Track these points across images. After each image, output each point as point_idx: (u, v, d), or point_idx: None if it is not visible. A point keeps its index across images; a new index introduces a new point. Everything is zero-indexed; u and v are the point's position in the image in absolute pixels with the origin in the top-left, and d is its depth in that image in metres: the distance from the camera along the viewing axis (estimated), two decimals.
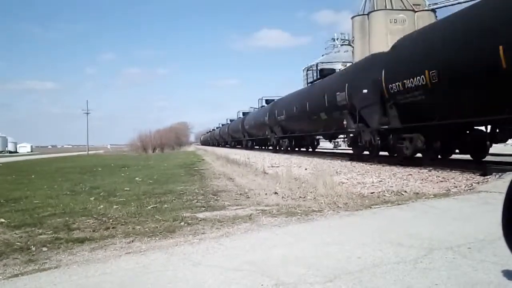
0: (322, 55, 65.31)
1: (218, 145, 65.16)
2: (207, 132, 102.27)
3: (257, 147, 37.69)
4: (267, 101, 32.61)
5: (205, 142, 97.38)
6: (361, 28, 44.36)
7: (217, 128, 76.31)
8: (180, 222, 4.85)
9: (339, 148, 34.31)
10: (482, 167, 8.47)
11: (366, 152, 14.03)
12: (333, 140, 26.94)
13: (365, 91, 13.05)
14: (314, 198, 6.10)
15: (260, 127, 31.31)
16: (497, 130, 9.64)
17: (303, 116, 19.92)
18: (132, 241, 4.10)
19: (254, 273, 2.81)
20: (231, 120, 57.17)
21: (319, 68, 23.69)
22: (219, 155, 24.05)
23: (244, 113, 45.53)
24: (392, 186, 7.10)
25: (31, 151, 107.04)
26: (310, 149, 24.72)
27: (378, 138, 12.69)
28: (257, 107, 43.17)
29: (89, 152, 63.70)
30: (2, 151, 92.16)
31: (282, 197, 6.40)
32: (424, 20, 39.77)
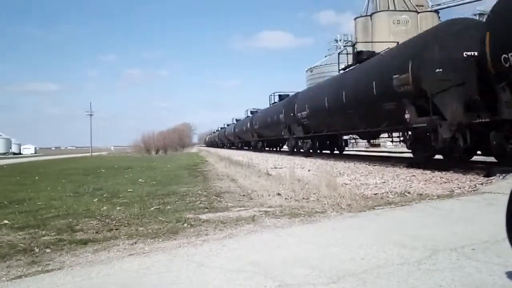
0: (325, 56, 65.37)
1: (223, 147, 64.54)
2: (212, 133, 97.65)
3: (268, 149, 35.25)
4: (281, 97, 29.14)
5: (210, 143, 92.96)
6: (364, 29, 44.39)
7: (221, 128, 72.34)
8: (183, 224, 4.85)
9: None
10: (486, 168, 8.44)
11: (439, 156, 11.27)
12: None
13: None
14: (317, 199, 6.09)
15: (273, 126, 27.86)
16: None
17: (336, 111, 16.26)
18: (135, 242, 4.10)
19: (258, 274, 2.80)
20: (237, 120, 53.29)
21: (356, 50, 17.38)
22: (222, 156, 24.08)
23: (252, 112, 41.87)
24: (396, 187, 7.08)
25: (35, 153, 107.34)
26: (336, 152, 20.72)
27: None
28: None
29: (93, 153, 63.85)
30: (6, 153, 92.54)
31: (285, 198, 6.40)
32: (427, 21, 39.73)
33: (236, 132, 48.15)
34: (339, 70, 17.69)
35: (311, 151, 20.80)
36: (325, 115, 17.34)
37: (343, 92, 15.12)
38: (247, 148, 44.28)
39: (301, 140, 21.94)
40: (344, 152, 20.50)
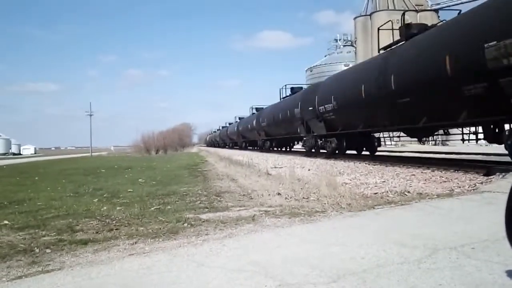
0: (325, 56, 65.50)
1: (224, 146, 62.59)
2: (213, 132, 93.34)
3: (277, 149, 31.44)
4: (293, 90, 25.48)
5: (211, 143, 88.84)
6: (363, 29, 44.41)
7: (223, 127, 69.67)
8: (183, 223, 4.86)
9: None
10: (486, 167, 8.45)
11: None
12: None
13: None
14: (317, 198, 6.09)
15: (285, 123, 24.07)
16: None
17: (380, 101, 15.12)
18: (136, 242, 4.11)
19: (258, 274, 2.81)
20: (240, 118, 50.84)
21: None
22: (222, 156, 24.09)
23: (257, 108, 38.91)
24: (396, 187, 7.08)
25: (35, 153, 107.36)
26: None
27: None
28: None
29: (93, 153, 63.83)
30: (5, 153, 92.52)
31: (285, 198, 6.40)
32: (426, 20, 39.76)
33: (239, 130, 44.79)
34: (379, 49, 13.99)
35: (336, 152, 17.01)
36: (361, 107, 13.62)
37: (391, 76, 11.37)
38: (251, 148, 41.19)
39: (323, 139, 18.13)
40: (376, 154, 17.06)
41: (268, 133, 30.69)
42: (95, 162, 30.06)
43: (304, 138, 21.13)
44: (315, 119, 18.28)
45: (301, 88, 25.20)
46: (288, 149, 30.41)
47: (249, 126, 38.26)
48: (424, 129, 11.61)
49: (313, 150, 19.65)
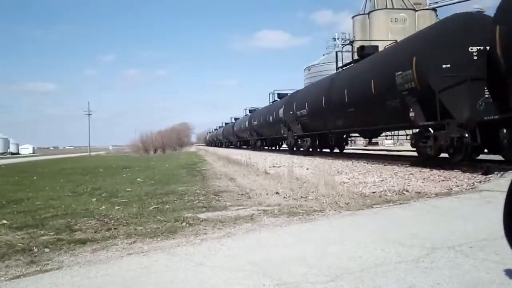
0: (323, 55, 65.42)
1: (228, 146, 55.82)
2: (214, 130, 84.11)
3: (327, 150, 19.43)
4: (363, 51, 14.48)
5: (212, 142, 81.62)
6: (362, 28, 44.49)
7: (226, 124, 61.79)
8: (181, 223, 4.85)
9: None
10: (485, 166, 8.45)
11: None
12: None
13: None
14: (316, 198, 6.10)
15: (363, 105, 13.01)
16: None
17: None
18: (134, 242, 4.10)
19: (256, 273, 2.81)
20: (250, 111, 40.77)
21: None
22: (220, 155, 24.08)
23: (281, 95, 28.07)
24: (394, 186, 7.09)
25: (33, 153, 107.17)
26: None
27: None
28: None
29: (91, 153, 63.78)
30: (4, 153, 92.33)
31: (284, 197, 6.40)
32: (425, 19, 39.81)
33: (252, 126, 34.52)
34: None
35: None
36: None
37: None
38: (268, 148, 32.53)
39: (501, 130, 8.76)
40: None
41: (307, 127, 19.59)
42: (93, 162, 30.03)
43: (417, 130, 11.12)
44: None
45: (377, 48, 14.62)
46: (339, 151, 19.22)
47: (269, 118, 27.71)
48: None
49: (448, 153, 9.79)
